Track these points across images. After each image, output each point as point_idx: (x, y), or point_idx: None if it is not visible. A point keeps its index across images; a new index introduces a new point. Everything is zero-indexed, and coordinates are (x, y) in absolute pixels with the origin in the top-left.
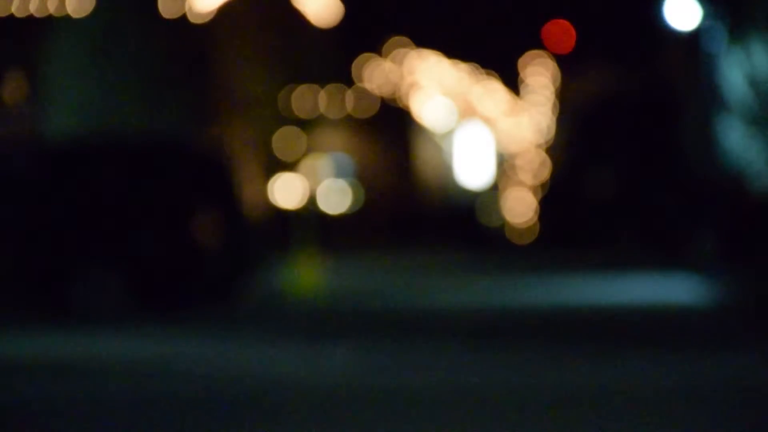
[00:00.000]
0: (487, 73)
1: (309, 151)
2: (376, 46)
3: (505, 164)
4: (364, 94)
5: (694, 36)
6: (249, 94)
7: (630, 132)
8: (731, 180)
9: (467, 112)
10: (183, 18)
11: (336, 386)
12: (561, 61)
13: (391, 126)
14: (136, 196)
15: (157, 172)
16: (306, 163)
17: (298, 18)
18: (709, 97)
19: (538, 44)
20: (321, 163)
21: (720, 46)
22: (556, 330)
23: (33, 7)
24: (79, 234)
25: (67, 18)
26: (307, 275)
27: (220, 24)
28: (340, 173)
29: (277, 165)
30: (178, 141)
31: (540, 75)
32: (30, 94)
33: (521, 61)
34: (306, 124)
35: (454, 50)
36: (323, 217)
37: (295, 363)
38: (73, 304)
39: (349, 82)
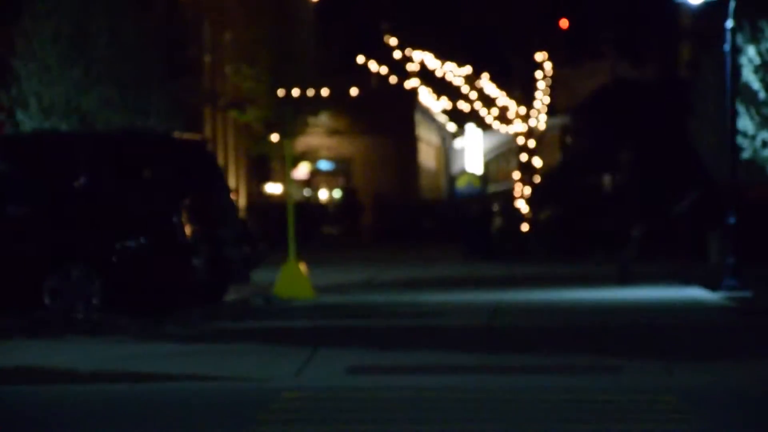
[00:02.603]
0: (485, 74)
1: (304, 153)
2: (376, 45)
3: (504, 159)
4: (363, 91)
5: (704, 17)
6: (244, 90)
7: (633, 125)
8: (743, 170)
9: (466, 111)
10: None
11: (334, 385)
12: (562, 52)
13: (392, 123)
14: (118, 194)
15: (145, 169)
16: (296, 168)
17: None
18: (723, 86)
19: (538, 42)
20: (312, 168)
21: (731, 24)
22: (558, 330)
23: None
24: (60, 234)
25: None
26: (298, 274)
27: (210, 4)
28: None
29: (269, 165)
30: (167, 137)
31: (540, 77)
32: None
33: (520, 60)
34: (302, 117)
35: (452, 52)
36: (317, 211)
37: (290, 362)
38: (53, 306)
39: (349, 79)
